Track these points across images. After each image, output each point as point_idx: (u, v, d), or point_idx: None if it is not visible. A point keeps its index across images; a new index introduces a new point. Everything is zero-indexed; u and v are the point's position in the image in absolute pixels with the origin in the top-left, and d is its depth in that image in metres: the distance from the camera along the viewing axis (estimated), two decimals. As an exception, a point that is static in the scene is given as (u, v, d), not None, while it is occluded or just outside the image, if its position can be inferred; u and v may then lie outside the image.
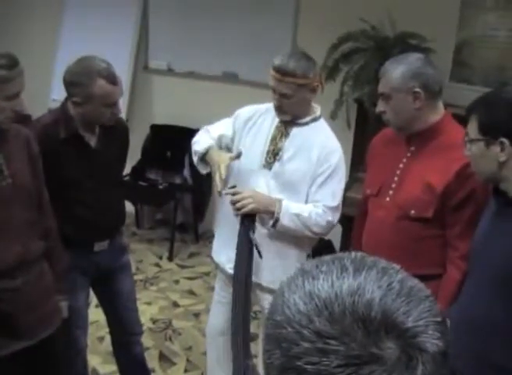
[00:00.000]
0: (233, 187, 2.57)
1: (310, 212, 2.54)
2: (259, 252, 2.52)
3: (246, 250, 2.54)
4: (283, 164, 2.59)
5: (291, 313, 0.75)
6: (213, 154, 2.65)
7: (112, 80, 2.46)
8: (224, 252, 2.71)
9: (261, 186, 2.61)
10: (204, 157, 2.68)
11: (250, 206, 2.49)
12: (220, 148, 2.75)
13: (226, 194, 2.55)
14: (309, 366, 0.70)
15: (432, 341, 0.72)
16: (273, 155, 2.61)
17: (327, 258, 0.81)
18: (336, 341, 0.70)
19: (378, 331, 0.70)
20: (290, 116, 2.59)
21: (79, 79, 2.43)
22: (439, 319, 0.74)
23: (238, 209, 2.51)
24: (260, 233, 2.59)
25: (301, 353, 0.71)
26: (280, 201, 2.54)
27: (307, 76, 2.47)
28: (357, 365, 0.69)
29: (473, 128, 1.94)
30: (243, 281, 2.56)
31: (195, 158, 2.74)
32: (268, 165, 2.62)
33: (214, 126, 2.82)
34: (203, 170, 2.76)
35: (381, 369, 0.69)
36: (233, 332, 2.62)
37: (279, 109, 2.57)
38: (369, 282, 0.74)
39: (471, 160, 2.01)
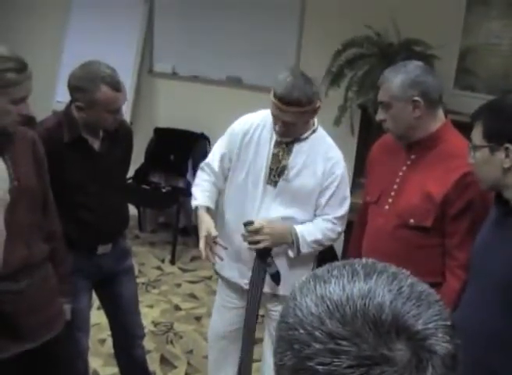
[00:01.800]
0: (251, 222, 2.50)
1: (322, 231, 2.58)
2: (279, 280, 2.54)
3: (260, 279, 2.57)
4: (289, 181, 2.57)
5: (303, 315, 0.76)
6: (200, 217, 2.60)
7: (116, 86, 2.47)
8: (234, 267, 2.71)
9: (266, 202, 2.60)
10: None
11: (263, 244, 2.49)
12: (224, 172, 2.71)
13: (246, 233, 2.51)
14: (320, 367, 0.71)
15: (441, 344, 0.73)
16: (277, 173, 2.58)
17: (338, 263, 0.83)
18: (348, 341, 0.71)
19: (389, 333, 0.71)
20: (292, 138, 2.57)
21: (83, 84, 2.44)
22: (448, 322, 0.76)
23: (251, 243, 2.51)
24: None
25: (313, 354, 0.72)
26: (296, 233, 2.54)
27: (311, 102, 2.42)
28: (368, 366, 0.70)
29: (477, 135, 1.93)
30: (256, 301, 2.61)
31: (193, 205, 2.69)
32: (273, 182, 2.59)
33: (211, 157, 2.74)
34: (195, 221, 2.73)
35: (391, 371, 0.70)
36: (245, 337, 2.65)
37: (282, 134, 2.53)
38: (380, 286, 0.76)
39: (474, 167, 2.00)
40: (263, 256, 2.53)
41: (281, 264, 2.60)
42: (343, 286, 0.76)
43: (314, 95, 2.42)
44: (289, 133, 2.52)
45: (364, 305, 0.73)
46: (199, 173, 2.77)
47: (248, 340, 2.68)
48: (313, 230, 2.57)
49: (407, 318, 0.73)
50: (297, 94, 2.36)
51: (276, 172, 2.58)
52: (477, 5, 4.12)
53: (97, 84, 2.43)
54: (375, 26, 4.07)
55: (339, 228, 2.62)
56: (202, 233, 2.52)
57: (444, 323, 0.75)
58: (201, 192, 2.68)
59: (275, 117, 2.47)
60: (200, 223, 2.57)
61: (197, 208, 2.64)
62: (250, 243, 2.50)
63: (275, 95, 2.41)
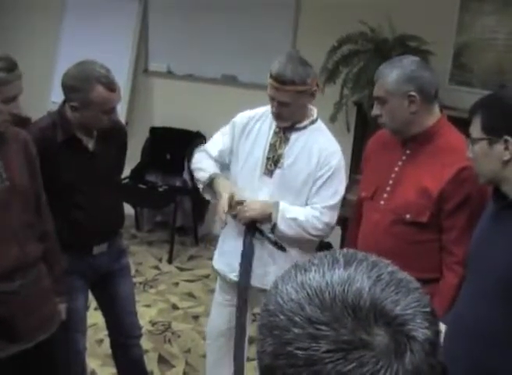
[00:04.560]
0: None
1: (306, 215, 2.55)
2: (281, 247, 2.60)
3: (248, 256, 2.60)
4: (285, 170, 2.59)
5: (283, 302, 0.77)
6: (219, 183, 2.65)
7: (111, 86, 2.46)
8: (224, 261, 2.74)
9: (264, 193, 2.61)
10: (211, 185, 2.69)
11: (247, 214, 2.55)
12: (223, 164, 2.77)
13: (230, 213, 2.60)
14: (299, 352, 0.72)
15: (420, 330, 0.73)
16: (274, 162, 2.60)
17: (320, 253, 0.84)
18: (326, 326, 0.72)
19: (368, 318, 0.72)
20: (289, 123, 2.58)
21: (77, 84, 2.43)
22: (428, 309, 0.76)
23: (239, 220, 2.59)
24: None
25: (292, 339, 0.73)
26: (277, 205, 2.55)
27: (305, 83, 2.45)
28: (347, 350, 0.71)
29: (476, 128, 1.92)
30: (243, 286, 2.63)
31: (200, 186, 2.76)
32: (269, 172, 2.61)
33: (210, 144, 2.82)
34: (210, 198, 2.78)
35: (369, 355, 0.70)
36: (237, 333, 2.64)
37: (278, 117, 2.55)
38: (359, 273, 0.77)
39: (473, 161, 1.99)
40: (250, 232, 2.61)
41: (277, 262, 2.61)
42: (323, 273, 0.77)
43: (309, 76, 2.47)
44: (285, 116, 2.54)
45: (343, 291, 0.74)
46: (201, 157, 2.80)
47: (241, 330, 2.69)
48: (296, 211, 2.56)
49: (385, 304, 0.73)
50: (291, 73, 2.42)
51: (273, 161, 2.60)
52: (472, 1, 4.12)
53: (91, 84, 2.42)
54: (370, 22, 4.07)
55: (327, 219, 2.58)
56: (225, 195, 2.55)
57: (423, 309, 0.75)
58: (210, 166, 2.73)
59: (272, 98, 2.51)
60: (219, 188, 2.62)
61: (208, 181, 2.68)
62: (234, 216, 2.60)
63: (270, 75, 2.47)
